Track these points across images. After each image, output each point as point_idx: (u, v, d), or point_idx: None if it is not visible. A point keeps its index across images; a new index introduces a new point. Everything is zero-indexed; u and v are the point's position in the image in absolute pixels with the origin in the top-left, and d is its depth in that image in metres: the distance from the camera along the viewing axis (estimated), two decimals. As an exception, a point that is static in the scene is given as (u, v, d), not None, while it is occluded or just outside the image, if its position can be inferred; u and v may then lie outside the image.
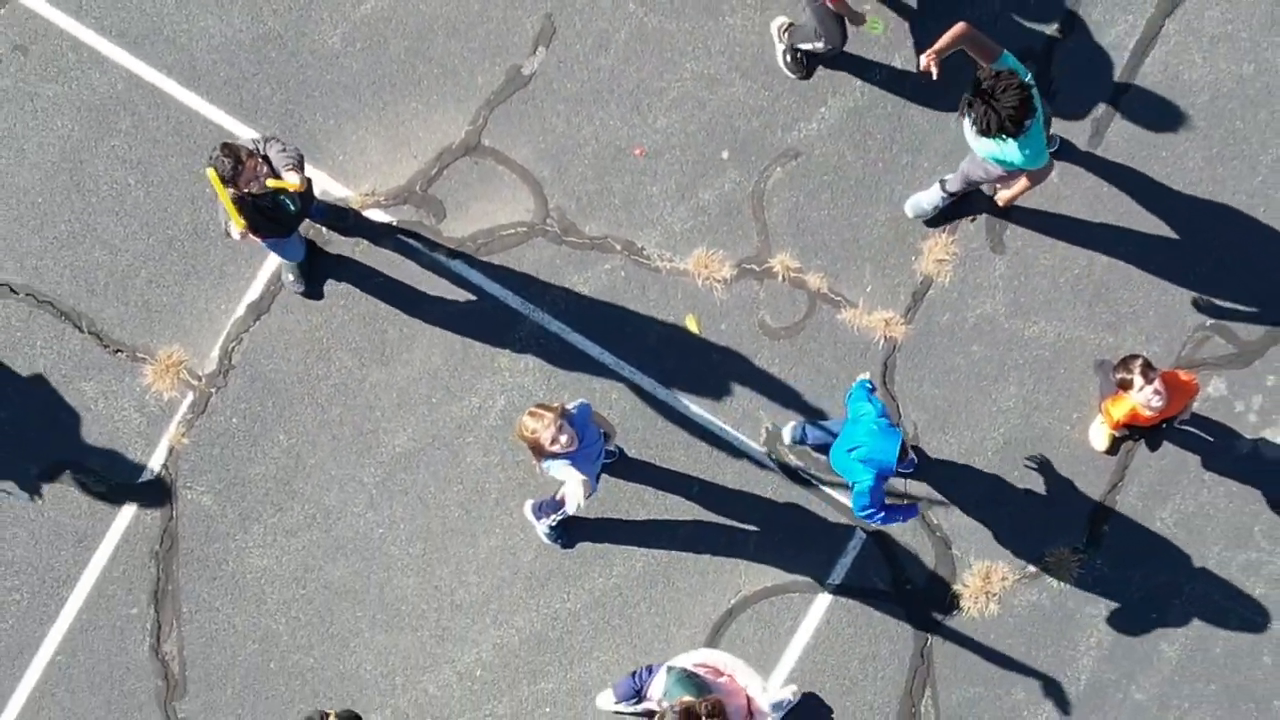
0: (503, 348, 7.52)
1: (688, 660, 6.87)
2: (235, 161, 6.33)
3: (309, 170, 6.82)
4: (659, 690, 6.72)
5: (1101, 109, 7.49)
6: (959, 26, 6.33)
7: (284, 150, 6.60)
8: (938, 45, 6.31)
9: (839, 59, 7.38)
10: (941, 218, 7.44)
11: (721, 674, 6.79)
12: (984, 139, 6.22)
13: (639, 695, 6.93)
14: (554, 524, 7.24)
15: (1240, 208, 7.48)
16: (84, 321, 7.56)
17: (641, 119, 7.54)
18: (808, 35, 7.16)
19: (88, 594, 7.56)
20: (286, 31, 7.57)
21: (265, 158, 6.54)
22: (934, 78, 6.26)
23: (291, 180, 6.45)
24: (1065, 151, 7.45)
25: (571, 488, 6.33)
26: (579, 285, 7.55)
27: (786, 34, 7.36)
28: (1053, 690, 7.52)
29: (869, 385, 6.84)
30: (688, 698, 6.36)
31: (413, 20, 7.52)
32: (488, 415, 7.49)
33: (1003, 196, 7.13)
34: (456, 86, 7.54)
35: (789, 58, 7.41)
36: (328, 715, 6.69)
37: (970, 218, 7.48)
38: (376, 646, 7.54)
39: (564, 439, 6.17)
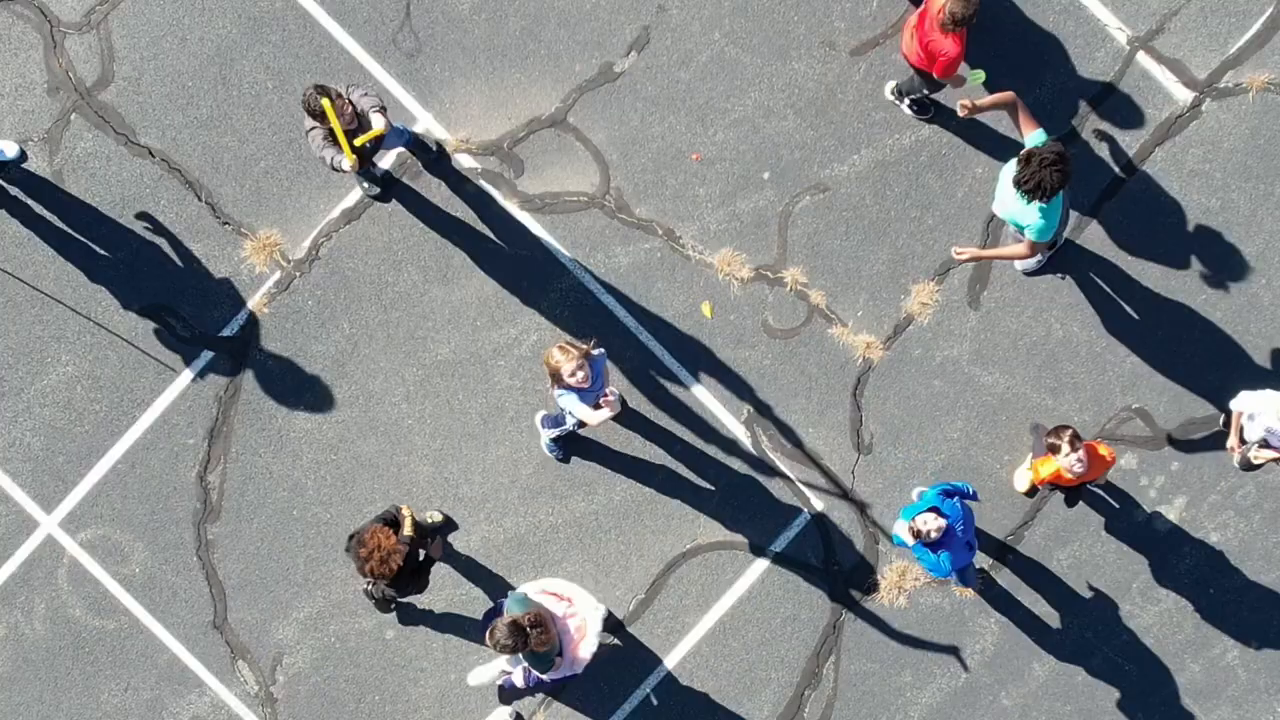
0: (545, 293, 8.85)
1: (534, 587, 7.98)
2: (319, 93, 7.43)
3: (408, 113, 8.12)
4: (509, 607, 7.69)
5: (1086, 208, 8.79)
6: (1008, 94, 7.59)
7: (366, 94, 7.81)
8: (983, 100, 7.60)
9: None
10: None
11: (563, 599, 7.92)
12: (1016, 194, 7.38)
13: (493, 620, 7.71)
14: (555, 438, 8.52)
15: (1183, 317, 8.78)
16: (204, 193, 8.89)
17: (703, 130, 8.86)
18: (914, 87, 8.45)
19: (155, 419, 8.91)
20: (427, -11, 8.92)
21: (350, 101, 7.76)
22: (960, 115, 7.51)
23: (378, 125, 7.64)
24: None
25: (583, 413, 7.60)
26: (620, 256, 8.87)
27: (898, 91, 8.64)
28: (935, 681, 8.86)
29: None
30: (517, 614, 7.43)
31: (532, 5, 8.84)
32: (520, 346, 8.82)
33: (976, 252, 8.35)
34: (556, 69, 8.86)
35: (912, 109, 8.70)
36: (400, 510, 7.67)
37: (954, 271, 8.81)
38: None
39: (580, 375, 7.47)
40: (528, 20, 8.83)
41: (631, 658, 8.87)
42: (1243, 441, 8.29)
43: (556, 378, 7.51)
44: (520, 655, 7.50)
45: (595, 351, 7.67)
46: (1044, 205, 7.33)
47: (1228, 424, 8.47)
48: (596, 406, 7.62)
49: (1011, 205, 7.53)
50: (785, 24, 8.76)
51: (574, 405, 7.64)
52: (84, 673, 8.93)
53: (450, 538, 8.84)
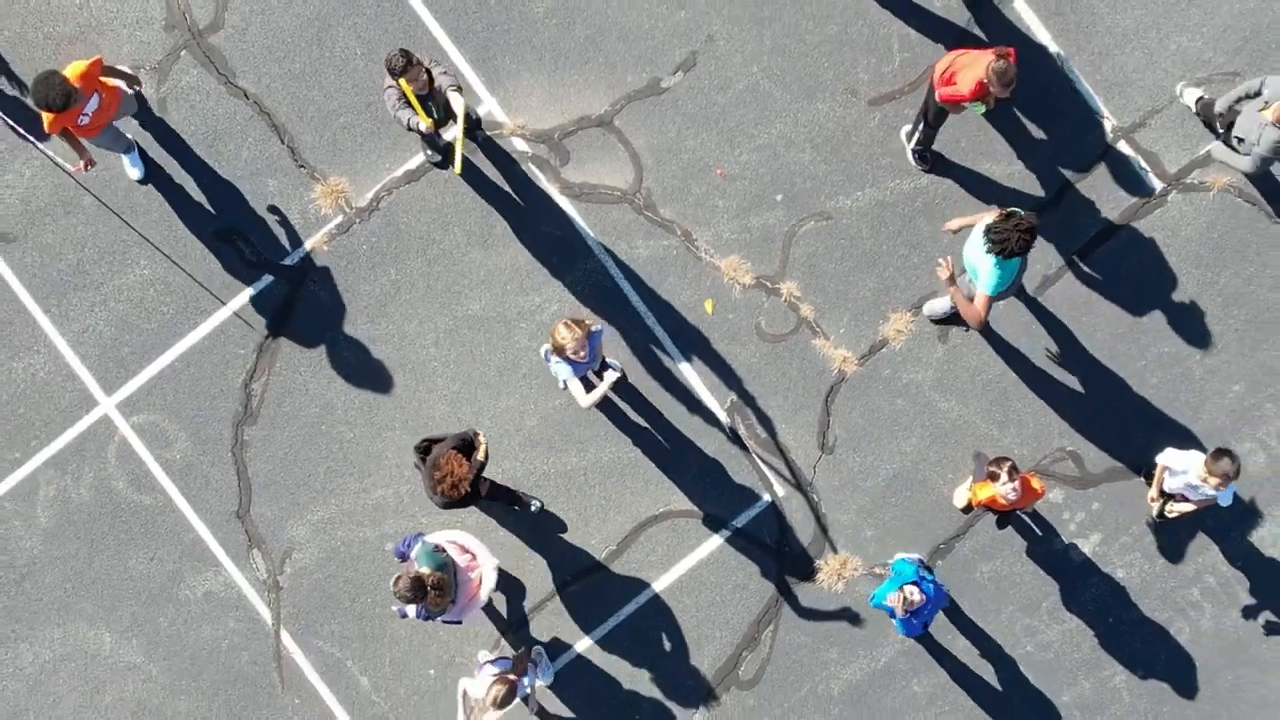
0: (570, 270, 10.02)
1: (442, 536, 8.95)
2: (407, 62, 8.54)
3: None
4: (413, 554, 8.56)
5: (1054, 270, 9.96)
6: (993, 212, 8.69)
7: (446, 73, 8.96)
8: (968, 219, 8.83)
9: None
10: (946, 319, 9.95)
11: (467, 551, 8.93)
12: (983, 248, 8.47)
13: (404, 556, 8.72)
14: (557, 374, 9.45)
15: (1122, 378, 9.94)
16: (286, 137, 10.07)
17: (730, 149, 10.03)
18: (917, 127, 9.60)
19: (214, 327, 10.10)
20: (507, -11, 10.09)
21: (428, 69, 8.91)
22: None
23: (455, 103, 8.65)
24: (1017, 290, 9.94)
25: (575, 392, 8.74)
26: (640, 248, 10.04)
27: (910, 139, 9.79)
28: (857, 660, 10.04)
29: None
30: (425, 570, 8.32)
31: (599, 17, 10.01)
32: (542, 313, 9.99)
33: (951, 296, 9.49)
34: (610, 76, 10.03)
35: (914, 157, 9.83)
36: (478, 436, 8.54)
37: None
38: (398, 442, 10.06)
39: (581, 353, 8.57)
40: (592, 30, 10.00)
41: (598, 600, 10.05)
42: (1162, 494, 9.45)
43: (558, 350, 8.56)
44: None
45: (594, 328, 8.78)
46: (1001, 262, 8.43)
47: (1150, 478, 9.66)
48: (589, 386, 8.74)
49: (976, 255, 8.63)
50: (816, 68, 9.93)
51: (569, 378, 8.70)
52: (118, 539, 10.13)
53: (455, 470, 10.02)
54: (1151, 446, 9.78)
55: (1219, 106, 9.40)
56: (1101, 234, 9.96)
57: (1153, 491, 9.48)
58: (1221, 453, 8.60)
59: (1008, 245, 8.16)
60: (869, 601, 9.22)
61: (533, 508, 9.89)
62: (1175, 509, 9.38)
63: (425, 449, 8.74)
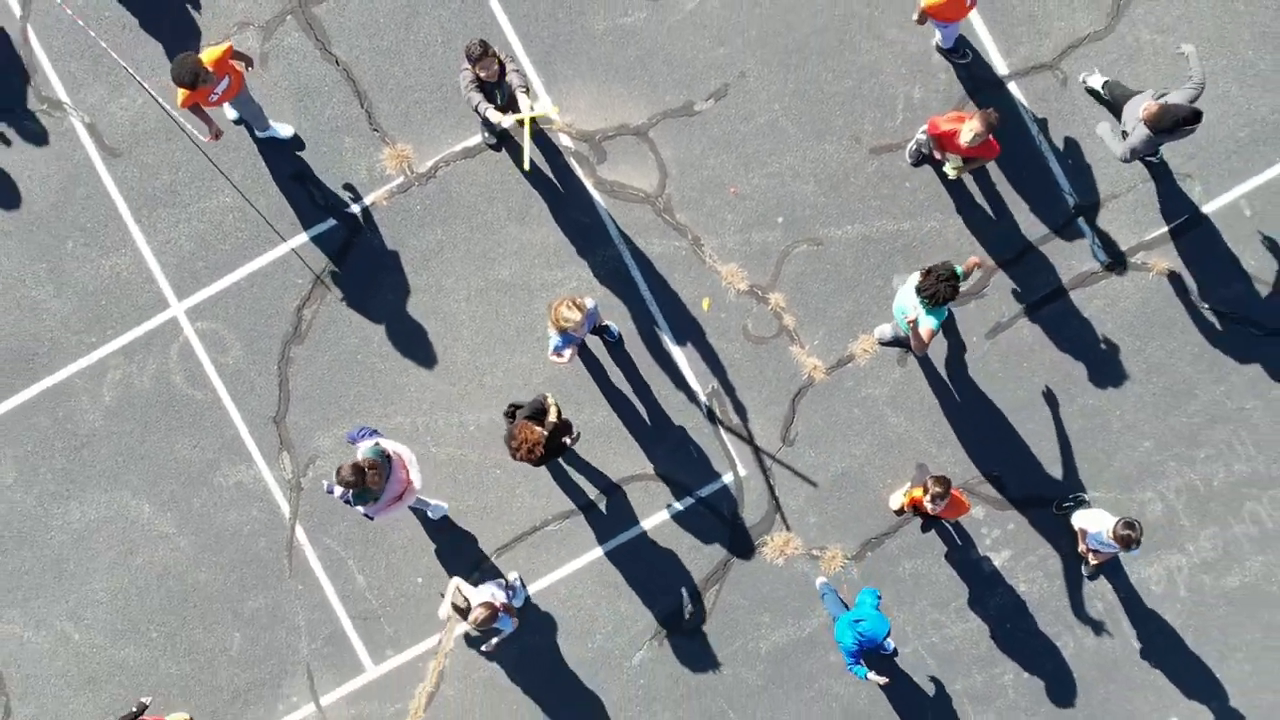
0: (591, 254, 11.55)
1: (388, 443, 10.34)
2: (483, 52, 10.06)
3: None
4: (361, 448, 9.95)
5: (1005, 318, 11.48)
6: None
7: (518, 71, 10.51)
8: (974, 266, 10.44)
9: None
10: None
11: (405, 463, 10.34)
12: (915, 297, 10.04)
13: (354, 440, 10.14)
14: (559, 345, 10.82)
15: (1050, 421, 11.44)
16: (366, 103, 11.61)
17: (745, 172, 11.55)
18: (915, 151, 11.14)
19: (279, 256, 11.64)
20: (574, 5, 11.59)
21: (502, 64, 10.43)
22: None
23: (521, 104, 10.13)
24: (969, 329, 11.46)
25: (551, 355, 10.20)
26: (654, 244, 11.56)
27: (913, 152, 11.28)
28: (785, 628, 11.56)
29: (877, 595, 10.79)
30: (366, 459, 9.73)
31: (649, 42, 11.53)
32: (562, 287, 11.52)
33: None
34: (652, 94, 11.56)
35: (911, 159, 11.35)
36: (547, 400, 10.14)
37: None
38: (422, 380, 11.59)
39: (579, 332, 10.12)
40: (642, 52, 11.53)
41: (571, 541, 11.59)
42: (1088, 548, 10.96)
43: (561, 329, 10.01)
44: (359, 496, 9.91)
45: (589, 304, 10.21)
46: (931, 309, 9.93)
47: (1059, 507, 11.24)
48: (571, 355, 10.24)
49: (909, 304, 10.07)
50: (829, 114, 11.46)
51: (556, 346, 10.14)
52: (168, 425, 11.69)
53: (466, 413, 11.57)
54: (1067, 482, 11.33)
55: (1192, 60, 10.16)
56: (1052, 294, 11.48)
57: (1081, 546, 11.00)
58: (1129, 524, 10.15)
59: (939, 295, 9.70)
60: (835, 636, 10.79)
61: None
62: (1093, 559, 10.92)
63: (511, 413, 10.33)
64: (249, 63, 10.89)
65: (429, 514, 11.44)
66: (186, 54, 10.08)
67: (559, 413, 10.24)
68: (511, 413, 10.49)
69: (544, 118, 11.08)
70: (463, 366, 11.61)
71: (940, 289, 9.69)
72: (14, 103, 11.62)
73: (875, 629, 10.33)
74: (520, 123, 10.32)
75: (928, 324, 9.99)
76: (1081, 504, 11.35)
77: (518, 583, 11.43)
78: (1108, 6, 11.38)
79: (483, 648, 11.01)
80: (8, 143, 11.63)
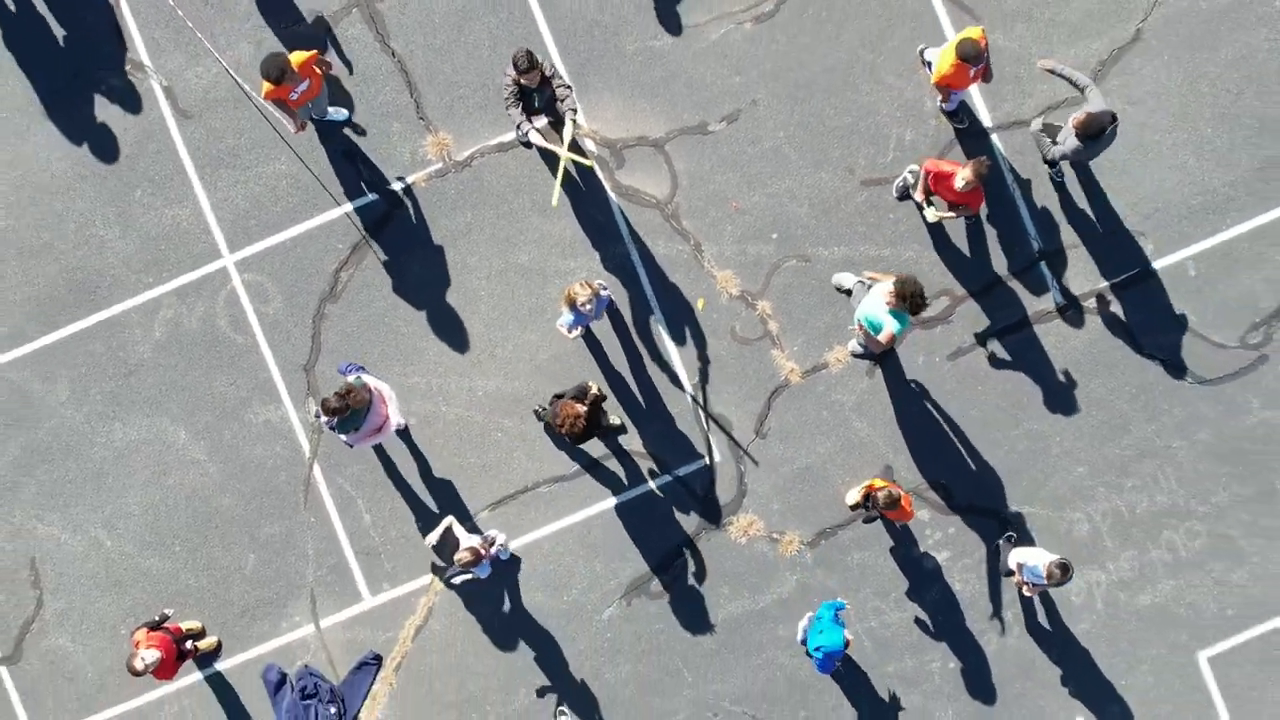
0: (602, 248, 12.86)
1: (371, 379, 11.82)
2: (530, 65, 11.45)
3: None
4: (349, 376, 11.74)
5: (965, 344, 12.76)
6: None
7: (569, 98, 11.72)
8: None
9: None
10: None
11: (385, 399, 11.79)
12: (883, 305, 11.31)
13: (344, 373, 12.11)
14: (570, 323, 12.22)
15: (997, 441, 12.75)
16: (415, 93, 12.93)
17: (748, 189, 12.86)
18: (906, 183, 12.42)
19: (323, 222, 12.96)
20: (610, 25, 12.88)
21: (545, 73, 11.73)
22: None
23: (567, 124, 11.50)
24: (933, 351, 12.77)
25: (561, 330, 11.66)
26: (660, 246, 12.87)
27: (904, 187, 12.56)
28: (740, 600, 12.88)
29: (836, 607, 12.06)
30: (354, 383, 11.34)
31: (674, 65, 12.83)
32: (574, 275, 12.82)
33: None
34: (672, 111, 12.87)
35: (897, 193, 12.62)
36: (589, 385, 11.62)
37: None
38: (440, 345, 12.87)
39: (588, 308, 11.47)
40: (666, 74, 12.86)
41: (558, 503, 12.91)
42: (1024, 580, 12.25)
43: (570, 302, 11.44)
44: (342, 424, 11.34)
45: (603, 292, 11.63)
46: (897, 314, 11.19)
47: (999, 519, 12.56)
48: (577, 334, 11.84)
49: (878, 312, 11.26)
50: (827, 146, 12.78)
51: (565, 323, 11.61)
52: (209, 362, 13.03)
53: (476, 379, 12.90)
54: (1009, 495, 12.67)
55: (1062, 70, 11.51)
56: (1011, 326, 12.78)
57: (1017, 578, 12.26)
58: (1064, 565, 11.34)
59: (913, 306, 10.97)
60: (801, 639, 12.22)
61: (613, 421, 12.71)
62: (1026, 590, 12.19)
63: (554, 401, 11.77)
64: (329, 68, 12.17)
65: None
66: (277, 53, 11.40)
67: (601, 392, 11.69)
68: (554, 400, 11.84)
69: (578, 161, 12.04)
70: (477, 338, 12.93)
71: (917, 302, 10.95)
72: (105, 63, 12.96)
73: (831, 642, 11.69)
74: (556, 155, 11.66)
75: (892, 327, 11.28)
76: (1013, 540, 12.64)
77: (502, 540, 12.71)
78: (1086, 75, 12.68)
79: (450, 576, 12.32)
80: (98, 100, 12.98)
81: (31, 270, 13.03)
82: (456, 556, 11.57)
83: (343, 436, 11.67)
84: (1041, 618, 12.84)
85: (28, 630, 13.06)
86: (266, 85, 11.52)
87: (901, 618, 12.87)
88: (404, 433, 12.85)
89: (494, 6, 12.89)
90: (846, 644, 11.70)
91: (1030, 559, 11.87)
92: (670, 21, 12.79)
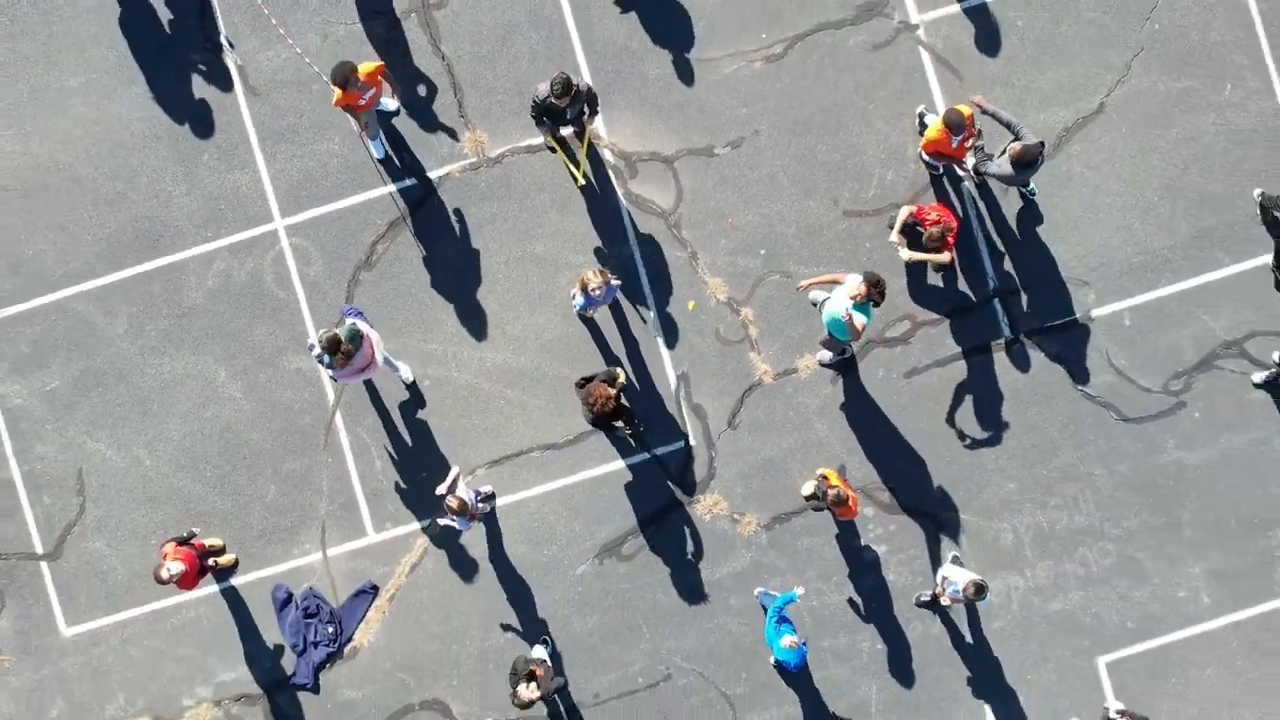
0: (610, 247, 14.48)
1: (364, 326, 13.29)
2: (565, 89, 13.04)
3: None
4: (346, 320, 13.34)
5: (921, 365, 14.39)
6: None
7: (598, 105, 13.46)
8: (819, 279, 13.33)
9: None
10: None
11: (374, 344, 13.18)
12: (848, 304, 12.93)
13: (343, 317, 13.58)
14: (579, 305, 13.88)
15: (939, 452, 14.37)
16: (459, 94, 14.58)
17: (743, 208, 14.49)
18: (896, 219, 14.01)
19: (366, 199, 14.59)
20: (638, 51, 14.52)
21: (580, 91, 13.34)
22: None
23: (588, 128, 13.31)
24: (891, 368, 14.40)
25: (577, 310, 13.33)
26: (661, 250, 14.50)
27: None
28: (700, 571, 14.51)
29: (784, 600, 13.65)
30: (344, 334, 12.69)
31: (689, 92, 14.43)
32: (582, 267, 14.43)
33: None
34: (684, 131, 14.49)
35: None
36: (616, 371, 13.36)
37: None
38: (457, 318, 14.48)
39: (598, 293, 13.14)
40: (682, 99, 14.50)
41: (546, 468, 14.56)
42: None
43: (583, 286, 13.11)
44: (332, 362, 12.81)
45: (614, 281, 13.30)
46: (867, 309, 12.76)
47: (937, 523, 14.21)
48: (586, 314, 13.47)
49: (840, 311, 12.85)
50: (816, 178, 14.42)
51: (578, 305, 13.30)
52: (253, 312, 14.69)
53: (487, 351, 14.57)
54: (944, 500, 14.31)
55: (989, 109, 13.14)
56: (962, 353, 14.41)
57: (937, 589, 13.86)
58: (980, 587, 12.90)
59: (880, 296, 12.60)
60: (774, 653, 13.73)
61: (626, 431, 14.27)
62: (946, 599, 13.77)
63: (582, 384, 13.30)
64: (393, 84, 13.76)
65: (400, 377, 14.24)
66: (346, 61, 13.03)
67: (628, 379, 13.37)
68: (583, 383, 13.43)
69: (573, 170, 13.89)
70: (492, 315, 14.58)
71: (880, 296, 12.64)
72: (191, 40, 14.65)
73: (790, 659, 13.31)
74: (580, 137, 13.30)
75: (861, 319, 12.87)
76: (956, 560, 14.25)
77: (489, 491, 14.30)
78: (1052, 140, 14.31)
79: (435, 517, 13.98)
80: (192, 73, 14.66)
81: (105, 215, 14.70)
82: (446, 501, 13.21)
83: (330, 372, 13.21)
84: (963, 612, 14.48)
85: (69, 532, 14.74)
86: (337, 92, 13.13)
87: (839, 600, 14.51)
88: (415, 391, 14.50)
89: (536, 24, 14.54)
90: (804, 656, 13.48)
91: (954, 576, 13.50)
92: (690, 55, 14.45)
